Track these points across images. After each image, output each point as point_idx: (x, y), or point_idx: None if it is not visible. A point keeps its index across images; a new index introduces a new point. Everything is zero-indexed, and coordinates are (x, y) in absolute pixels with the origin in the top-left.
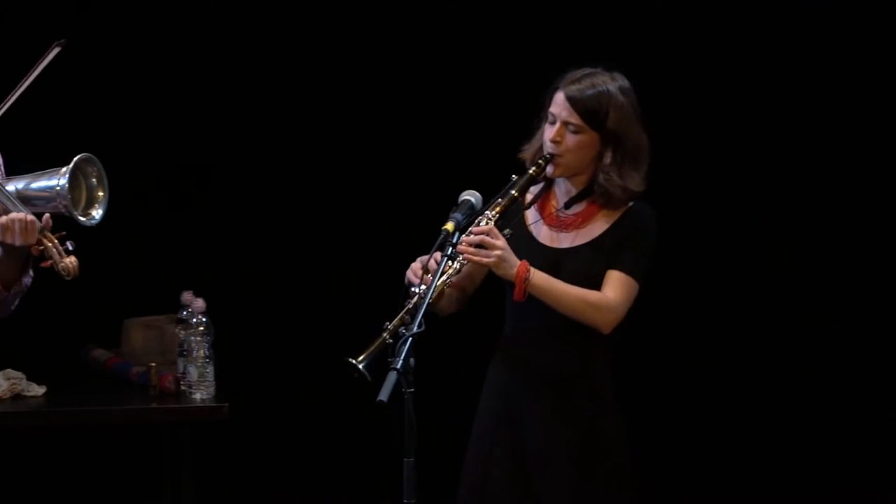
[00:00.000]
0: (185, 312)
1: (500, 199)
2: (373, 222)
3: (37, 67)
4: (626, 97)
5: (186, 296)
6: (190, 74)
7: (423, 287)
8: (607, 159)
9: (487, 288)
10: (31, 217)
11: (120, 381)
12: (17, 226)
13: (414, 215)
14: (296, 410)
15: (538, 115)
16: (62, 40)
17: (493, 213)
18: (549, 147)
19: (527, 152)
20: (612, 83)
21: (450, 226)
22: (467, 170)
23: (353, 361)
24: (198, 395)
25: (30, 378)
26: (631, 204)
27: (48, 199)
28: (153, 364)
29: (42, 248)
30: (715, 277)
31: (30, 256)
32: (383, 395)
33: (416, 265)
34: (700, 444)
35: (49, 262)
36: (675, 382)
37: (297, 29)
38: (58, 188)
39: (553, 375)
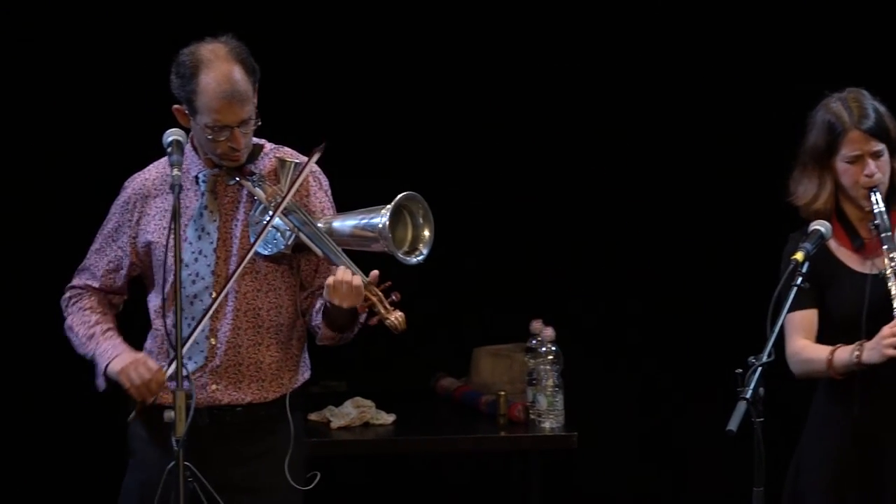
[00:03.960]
0: (534, 341)
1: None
2: (737, 238)
3: (300, 174)
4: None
5: (536, 325)
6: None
7: None
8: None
9: None
10: (357, 282)
11: (469, 409)
12: (343, 287)
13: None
14: (644, 439)
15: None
16: (322, 145)
17: None
18: (866, 183)
19: (801, 199)
20: (872, 98)
21: (799, 255)
22: None
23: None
24: (547, 424)
25: (379, 407)
26: None
27: (371, 239)
28: (502, 393)
29: (368, 303)
30: None
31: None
32: (732, 425)
33: None
34: None
35: (376, 318)
36: None
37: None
38: (379, 227)
39: None
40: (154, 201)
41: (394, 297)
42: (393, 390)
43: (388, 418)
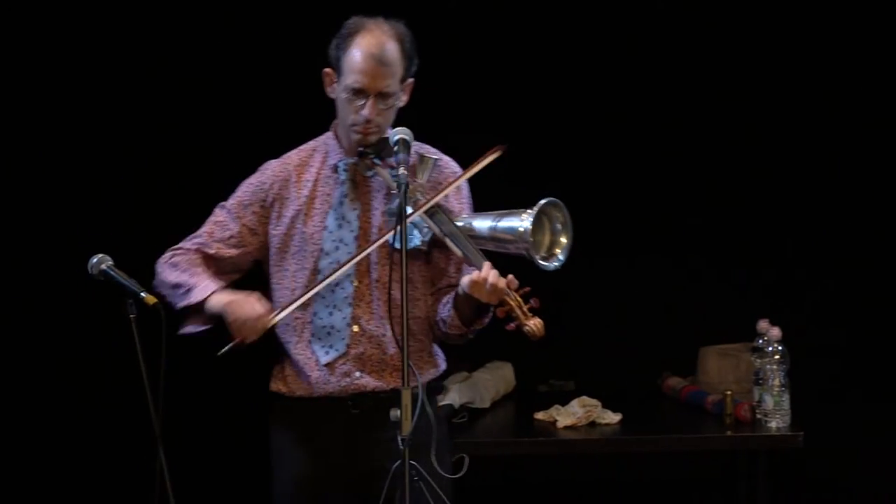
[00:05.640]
0: (760, 341)
1: None
2: None
3: (475, 167)
4: None
5: (762, 324)
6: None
7: None
8: None
9: None
10: (501, 284)
11: (695, 409)
12: (487, 286)
13: None
14: (870, 437)
15: None
16: (504, 145)
17: None
18: None
19: None
20: None
21: None
22: None
23: None
24: (773, 424)
25: (605, 406)
26: None
27: (509, 242)
28: (728, 392)
29: (507, 308)
30: None
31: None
32: None
33: None
34: None
35: (514, 324)
36: None
37: None
38: (521, 230)
39: None
40: (294, 186)
41: (532, 304)
42: (620, 389)
43: (615, 417)
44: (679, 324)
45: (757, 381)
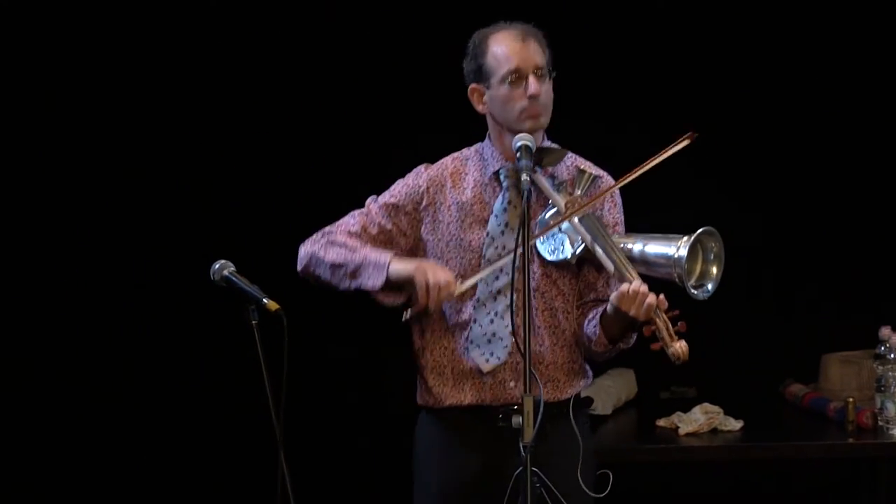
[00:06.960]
0: (882, 348)
1: None
2: None
3: (665, 152)
4: None
5: (885, 331)
6: None
7: None
8: None
9: None
10: (651, 299)
11: (817, 416)
12: (638, 299)
13: None
14: None
15: None
16: (694, 134)
17: None
18: None
19: None
20: None
21: None
22: None
23: None
24: (895, 431)
25: (727, 412)
26: None
27: (662, 266)
28: (850, 399)
29: (653, 328)
30: None
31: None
32: None
33: None
34: None
35: (659, 344)
36: None
37: None
38: (675, 257)
39: None
40: (452, 192)
41: (679, 327)
42: (741, 396)
43: (737, 424)
44: (801, 331)
45: (879, 387)
